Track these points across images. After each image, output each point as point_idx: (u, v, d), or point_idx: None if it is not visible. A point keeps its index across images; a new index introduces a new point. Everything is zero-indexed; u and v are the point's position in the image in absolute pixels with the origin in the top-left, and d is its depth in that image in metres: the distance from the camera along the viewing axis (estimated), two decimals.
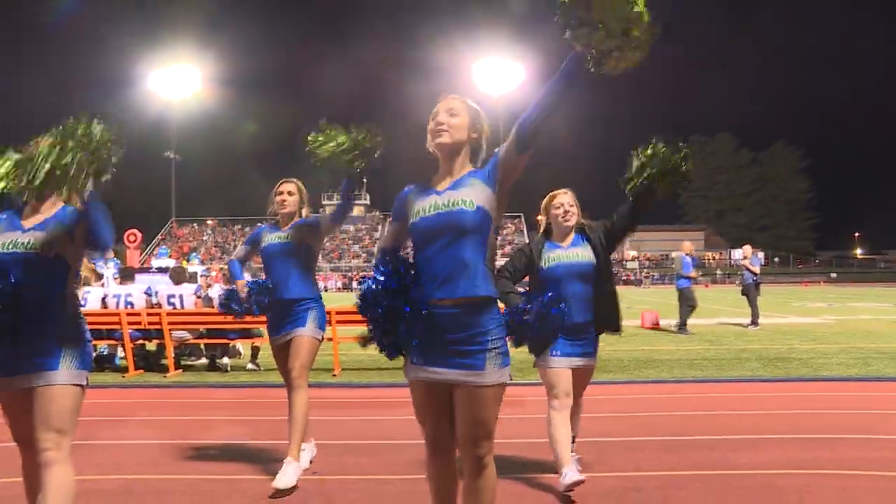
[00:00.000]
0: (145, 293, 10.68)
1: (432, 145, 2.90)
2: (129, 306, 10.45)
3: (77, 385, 3.08)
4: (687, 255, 15.53)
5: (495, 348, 2.77)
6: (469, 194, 2.79)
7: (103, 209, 3.06)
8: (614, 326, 4.49)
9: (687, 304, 15.21)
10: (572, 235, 4.56)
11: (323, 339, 4.93)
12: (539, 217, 4.71)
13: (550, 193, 4.66)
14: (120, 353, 10.65)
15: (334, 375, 9.71)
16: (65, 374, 3.03)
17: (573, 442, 4.56)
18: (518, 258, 4.54)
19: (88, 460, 5.18)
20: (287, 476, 4.45)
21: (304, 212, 4.96)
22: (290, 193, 4.91)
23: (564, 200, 4.55)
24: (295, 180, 4.98)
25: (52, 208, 3.21)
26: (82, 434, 6.05)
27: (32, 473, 3.14)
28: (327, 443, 5.62)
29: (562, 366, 4.35)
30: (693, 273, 15.42)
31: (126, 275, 11.68)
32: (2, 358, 3.03)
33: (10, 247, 3.05)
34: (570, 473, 4.13)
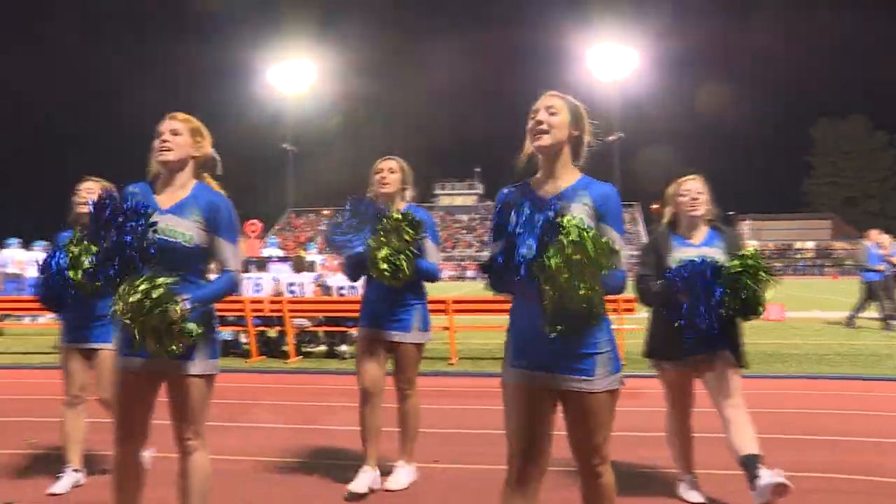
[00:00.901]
0: (274, 280, 11.06)
1: (531, 146, 2.75)
2: (258, 292, 10.87)
3: (208, 375, 3.10)
4: (874, 244, 14.18)
5: (606, 351, 2.63)
6: (580, 212, 2.61)
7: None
8: (737, 353, 3.97)
9: (874, 298, 14.02)
10: (705, 231, 4.09)
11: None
12: (656, 206, 4.37)
13: (678, 179, 4.20)
14: (243, 338, 11.04)
15: (451, 364, 9.73)
16: (198, 364, 3.05)
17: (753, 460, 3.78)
18: (649, 257, 4.09)
19: (221, 442, 5.36)
20: (399, 478, 4.42)
21: (408, 194, 4.45)
22: (391, 171, 4.36)
23: (693, 186, 4.08)
24: (397, 158, 4.46)
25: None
26: (217, 416, 6.30)
27: (125, 467, 3.10)
28: (446, 432, 5.61)
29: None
30: (881, 266, 13.94)
31: (259, 265, 12.14)
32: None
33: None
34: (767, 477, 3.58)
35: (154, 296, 2.75)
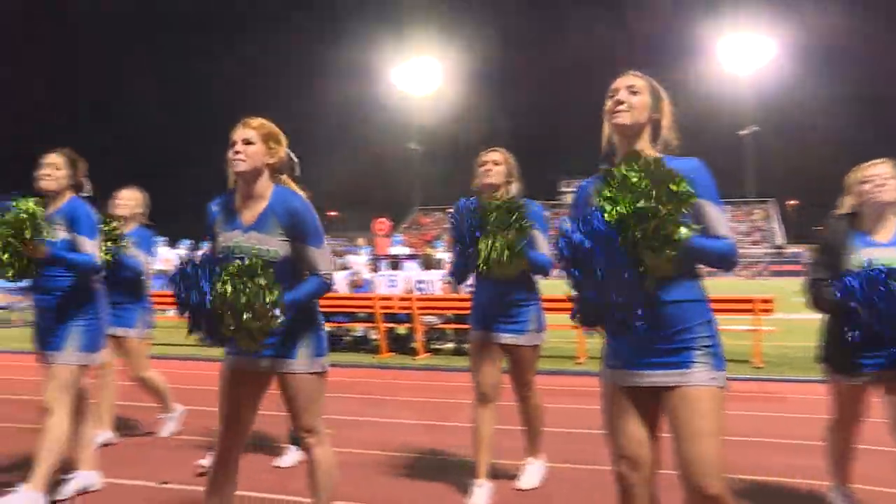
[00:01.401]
0: (405, 278, 11.30)
1: (610, 126, 2.62)
2: (392, 288, 11.12)
3: (315, 373, 3.10)
4: None
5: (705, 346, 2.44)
6: None
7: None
8: None
9: None
10: (894, 226, 3.51)
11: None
12: (847, 200, 3.69)
13: (861, 165, 3.62)
14: (373, 335, 11.29)
15: (579, 363, 9.60)
16: (303, 362, 3.06)
17: None
18: (823, 257, 3.58)
19: (351, 435, 5.50)
20: (530, 477, 4.37)
21: (514, 187, 4.21)
22: (495, 163, 4.16)
23: (879, 171, 3.50)
24: (502, 149, 4.25)
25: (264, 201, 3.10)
26: (346, 411, 6.49)
27: (225, 453, 3.13)
28: (577, 432, 5.53)
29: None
30: None
31: (393, 263, 12.45)
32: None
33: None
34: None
35: (246, 290, 2.74)
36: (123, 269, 5.13)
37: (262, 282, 2.77)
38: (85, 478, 4.23)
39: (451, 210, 3.95)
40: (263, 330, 2.81)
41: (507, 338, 4.08)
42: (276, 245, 2.99)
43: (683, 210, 2.25)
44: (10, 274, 3.84)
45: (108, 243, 4.98)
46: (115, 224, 5.15)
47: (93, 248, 3.99)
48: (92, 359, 4.05)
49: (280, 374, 3.07)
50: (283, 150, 3.14)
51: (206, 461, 4.45)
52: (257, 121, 3.10)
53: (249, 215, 3.05)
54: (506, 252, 3.71)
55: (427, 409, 6.82)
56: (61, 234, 3.95)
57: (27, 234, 3.72)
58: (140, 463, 4.87)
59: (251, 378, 3.10)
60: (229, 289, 2.73)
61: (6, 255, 3.74)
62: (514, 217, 3.77)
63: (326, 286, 3.08)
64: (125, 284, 5.20)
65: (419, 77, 64.54)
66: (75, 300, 4.02)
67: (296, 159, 3.22)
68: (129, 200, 5.49)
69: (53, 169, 4.09)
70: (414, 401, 7.33)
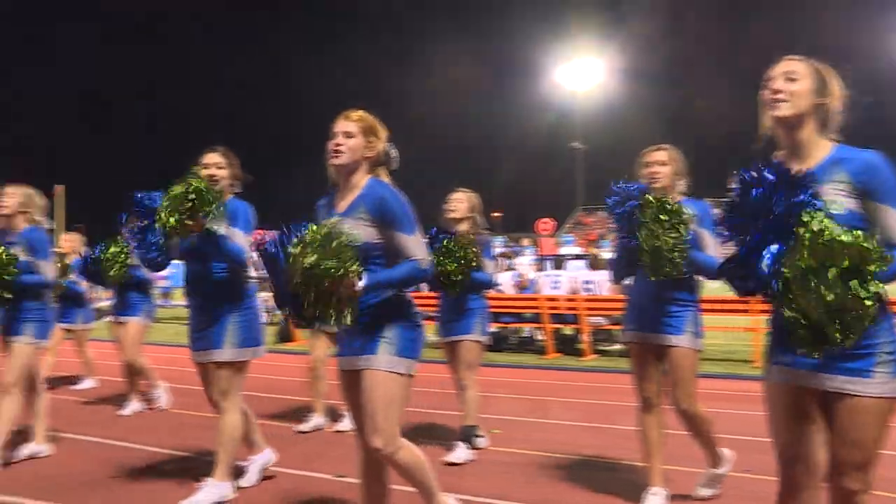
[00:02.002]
0: (570, 278, 11.21)
1: (768, 118, 2.41)
2: (556, 290, 11.07)
3: (394, 372, 2.96)
4: None
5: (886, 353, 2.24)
6: (835, 194, 2.28)
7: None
8: None
9: None
10: None
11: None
12: None
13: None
14: (539, 335, 11.27)
15: (754, 367, 9.12)
16: (384, 359, 2.95)
17: None
18: None
19: (518, 435, 5.53)
20: (707, 486, 4.18)
21: (681, 186, 4.01)
22: (661, 163, 3.93)
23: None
24: (668, 147, 4.00)
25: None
26: (512, 411, 6.52)
27: (366, 466, 3.16)
28: (752, 440, 5.26)
29: None
30: None
31: (557, 263, 12.42)
32: (346, 338, 3.08)
33: None
34: None
35: (328, 264, 2.69)
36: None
37: (340, 248, 2.73)
38: (263, 459, 4.48)
39: (611, 193, 3.74)
40: (345, 301, 2.75)
41: (664, 339, 3.89)
42: (358, 229, 2.94)
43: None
44: (172, 238, 3.92)
45: None
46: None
47: (244, 242, 4.03)
48: (251, 353, 4.11)
49: (359, 371, 2.99)
50: (382, 144, 3.13)
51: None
52: (357, 113, 3.11)
53: (343, 204, 3.08)
54: (669, 253, 3.55)
55: (594, 411, 6.72)
56: (221, 229, 3.98)
57: (196, 205, 3.72)
58: (320, 456, 5.11)
59: (351, 378, 3.08)
60: (301, 253, 2.70)
61: (172, 220, 3.72)
62: (671, 217, 3.58)
63: (421, 272, 2.99)
64: None
65: (582, 75, 63.70)
66: (230, 295, 4.07)
67: (394, 153, 3.20)
68: None
69: (216, 168, 4.16)
70: (580, 402, 7.25)
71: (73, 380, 8.21)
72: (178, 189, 3.73)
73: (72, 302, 7.67)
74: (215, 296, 4.05)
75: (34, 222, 4.93)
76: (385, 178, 3.14)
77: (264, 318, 12.72)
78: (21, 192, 4.92)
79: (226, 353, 4.03)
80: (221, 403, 4.07)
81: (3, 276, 4.54)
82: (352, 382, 3.06)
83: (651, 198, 3.60)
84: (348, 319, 2.78)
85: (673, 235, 3.54)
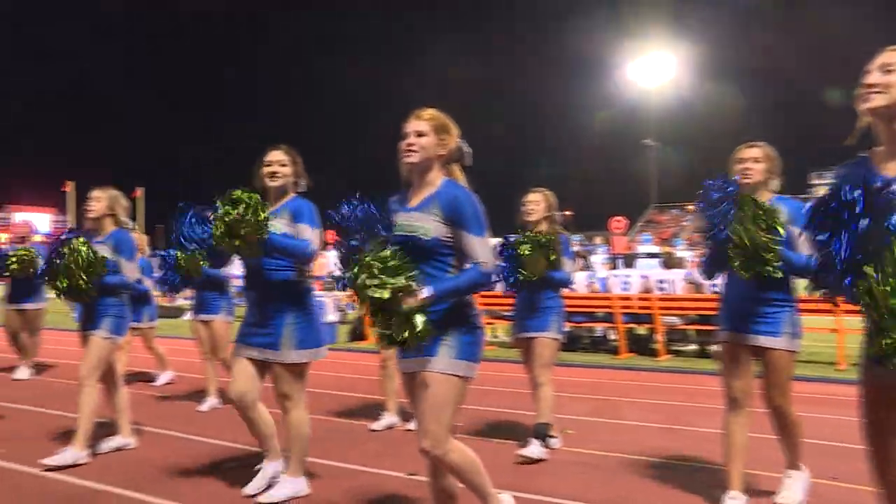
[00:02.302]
0: (641, 277, 11.02)
1: (863, 112, 2.27)
2: (625, 289, 10.90)
3: (452, 375, 2.93)
4: None
5: None
6: None
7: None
8: None
9: None
10: None
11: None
12: None
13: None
14: (611, 335, 11.12)
15: (839, 370, 8.80)
16: (440, 362, 2.93)
17: None
18: None
19: (591, 436, 5.45)
20: (790, 492, 3.99)
21: (774, 184, 3.88)
22: (755, 160, 3.85)
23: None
24: (762, 144, 3.91)
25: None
26: (586, 412, 6.44)
27: (435, 466, 3.11)
28: (837, 445, 5.07)
29: None
30: None
31: (623, 261, 12.25)
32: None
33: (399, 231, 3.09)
34: None
35: (388, 280, 2.73)
36: None
37: (393, 263, 2.76)
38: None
39: (700, 192, 3.63)
40: (413, 314, 2.76)
41: (760, 340, 3.77)
42: (430, 224, 2.96)
43: None
44: (233, 250, 3.84)
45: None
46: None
47: (312, 236, 4.00)
48: (310, 355, 4.09)
49: (418, 373, 2.98)
50: (454, 141, 3.12)
51: None
52: (429, 112, 3.11)
53: (416, 200, 3.08)
54: (765, 252, 3.46)
55: (669, 412, 6.59)
56: (283, 228, 3.98)
57: (249, 215, 3.72)
58: (393, 454, 5.14)
59: (412, 379, 3.06)
60: (361, 275, 2.76)
61: (227, 241, 3.75)
62: (768, 216, 3.49)
63: (485, 276, 2.95)
64: None
65: (654, 71, 62.64)
66: (287, 293, 4.04)
67: (467, 150, 3.17)
68: None
69: (279, 166, 4.15)
70: (655, 403, 7.11)
71: (149, 377, 8.44)
72: (227, 209, 3.76)
73: (137, 301, 7.76)
74: (271, 293, 4.03)
75: (120, 224, 5.10)
76: (459, 176, 3.14)
77: (336, 316, 12.91)
78: (107, 195, 5.09)
79: (283, 355, 4.01)
80: (285, 403, 4.10)
81: (93, 276, 4.71)
82: (413, 384, 3.06)
83: (748, 196, 3.55)
84: (423, 333, 2.79)
85: (768, 235, 3.47)
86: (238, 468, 4.61)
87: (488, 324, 11.54)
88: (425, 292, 2.80)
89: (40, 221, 43.12)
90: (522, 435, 5.31)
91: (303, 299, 4.10)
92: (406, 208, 3.08)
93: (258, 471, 4.23)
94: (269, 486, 4.14)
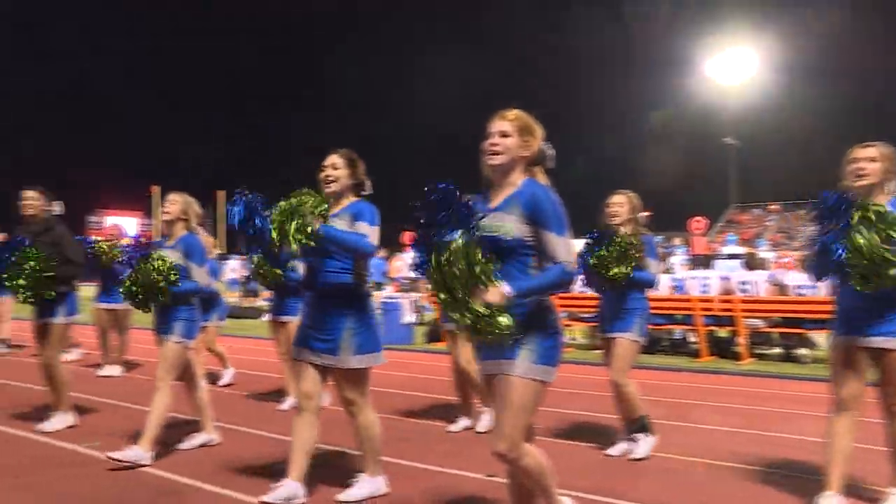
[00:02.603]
0: (721, 279, 10.74)
1: None
2: (704, 291, 10.65)
3: (531, 379, 2.91)
4: None
5: None
6: None
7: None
8: None
9: None
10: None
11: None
12: None
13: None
14: (691, 337, 10.88)
15: None
16: (522, 365, 2.90)
17: None
18: None
19: (671, 440, 5.34)
20: None
21: (890, 186, 3.74)
22: (871, 160, 3.71)
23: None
24: (880, 144, 3.78)
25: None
26: (664, 415, 6.32)
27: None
28: None
29: None
30: None
31: (703, 262, 11.96)
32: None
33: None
34: None
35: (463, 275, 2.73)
36: None
37: (478, 258, 2.76)
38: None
39: (816, 201, 3.63)
40: (495, 310, 2.76)
41: (878, 341, 3.64)
42: (510, 223, 2.94)
43: None
44: (294, 246, 3.82)
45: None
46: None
47: (371, 231, 3.96)
48: (370, 360, 4.03)
49: (498, 375, 2.96)
50: (538, 143, 3.08)
51: None
52: (513, 113, 3.08)
53: (497, 200, 3.06)
54: (885, 267, 3.38)
55: (753, 417, 6.40)
56: (341, 225, 3.96)
57: (307, 214, 3.78)
58: (470, 455, 5.14)
59: (493, 381, 3.03)
60: (445, 265, 2.76)
61: (293, 226, 3.76)
62: (888, 227, 3.39)
63: (567, 276, 2.93)
64: None
65: (735, 68, 61.03)
66: (346, 296, 4.01)
67: (551, 152, 3.14)
68: None
69: (332, 169, 4.12)
70: (738, 407, 6.93)
71: (215, 376, 8.52)
72: (284, 207, 3.82)
73: (208, 301, 7.86)
74: (330, 296, 4.00)
75: (191, 229, 5.22)
76: (541, 178, 3.11)
77: (414, 317, 13.01)
78: (182, 200, 5.22)
79: (343, 361, 3.98)
80: (349, 408, 4.10)
81: (166, 282, 4.85)
82: (492, 385, 3.04)
83: (867, 203, 3.49)
84: (506, 329, 2.78)
85: (885, 246, 3.39)
86: (319, 467, 4.69)
87: (567, 326, 11.45)
88: (509, 289, 2.79)
89: (129, 225, 44.87)
90: (601, 437, 5.26)
91: (362, 303, 4.06)
92: (487, 208, 3.06)
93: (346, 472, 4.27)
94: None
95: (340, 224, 3.95)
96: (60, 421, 5.87)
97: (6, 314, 11.13)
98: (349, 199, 4.14)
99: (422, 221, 2.86)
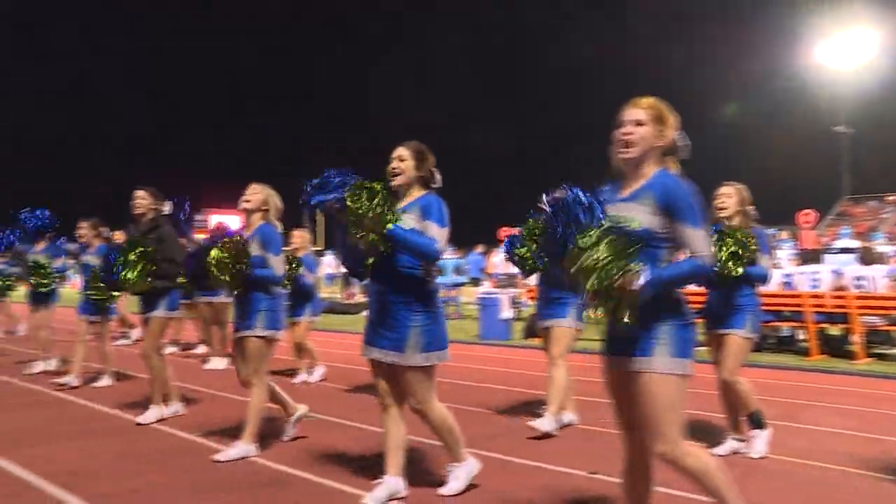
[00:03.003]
0: (833, 274, 10.23)
1: None
2: (814, 287, 10.17)
3: (672, 374, 2.80)
4: None
5: None
6: None
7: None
8: None
9: None
10: None
11: None
12: None
13: None
14: (801, 335, 10.42)
15: None
16: (661, 360, 2.80)
17: None
18: None
19: (784, 442, 5.12)
20: None
21: None
22: None
23: None
24: None
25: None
26: (774, 415, 6.07)
27: (630, 466, 3.05)
28: None
29: None
30: None
31: (810, 256, 11.44)
32: (615, 336, 2.93)
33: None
34: None
35: (609, 263, 2.64)
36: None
37: (622, 245, 2.67)
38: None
39: (892, 198, 3.37)
40: (625, 299, 2.68)
41: None
42: (641, 215, 2.84)
43: None
44: (356, 242, 3.83)
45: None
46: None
47: (439, 234, 3.86)
48: (437, 358, 3.96)
49: (634, 373, 2.85)
50: (672, 132, 2.98)
51: None
52: (647, 100, 2.98)
53: (628, 190, 2.97)
54: None
55: (870, 420, 6.09)
56: (412, 224, 3.87)
57: (368, 203, 3.70)
58: (570, 452, 5.08)
59: (621, 378, 2.94)
60: (583, 249, 2.67)
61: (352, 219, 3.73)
62: None
63: (703, 269, 2.82)
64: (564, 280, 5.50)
65: (848, 53, 58.04)
66: (413, 293, 3.92)
67: (686, 143, 3.02)
68: None
69: (398, 161, 4.06)
70: (852, 409, 6.60)
71: (308, 370, 8.58)
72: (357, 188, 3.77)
73: (302, 296, 8.12)
74: (397, 291, 3.93)
75: (269, 220, 5.23)
76: (674, 169, 3.00)
77: (511, 313, 12.96)
78: (263, 191, 5.26)
79: (408, 358, 3.91)
80: (417, 406, 4.03)
81: (238, 267, 4.85)
82: (621, 382, 2.94)
83: None
84: (629, 317, 2.72)
85: None
86: (420, 460, 4.72)
87: None
88: (645, 277, 2.70)
89: (233, 222, 46.44)
90: (708, 437, 5.10)
91: (429, 300, 3.98)
92: (617, 199, 2.97)
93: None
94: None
95: (409, 220, 3.88)
96: (154, 414, 6.06)
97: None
98: (418, 193, 4.06)
99: (553, 217, 2.80)
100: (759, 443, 4.87)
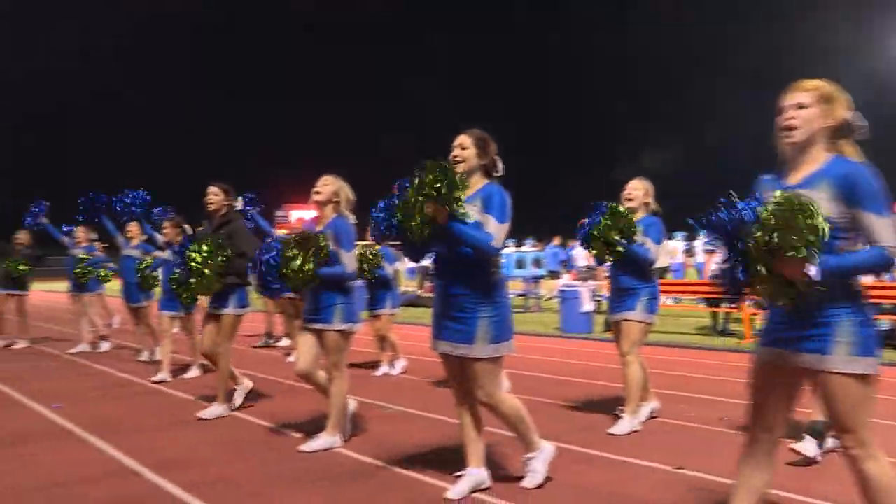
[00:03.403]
0: None
1: None
2: None
3: (855, 374, 2.62)
4: None
5: None
6: None
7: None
8: None
9: None
10: None
11: None
12: None
13: None
14: None
15: None
16: (841, 359, 2.63)
17: None
18: None
19: (890, 442, 4.85)
20: None
21: None
22: None
23: None
24: None
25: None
26: (884, 413, 5.76)
27: (754, 446, 2.87)
28: None
29: None
30: None
31: None
32: (782, 329, 2.77)
33: None
34: None
35: (786, 242, 2.47)
36: (631, 255, 5.25)
37: (804, 226, 2.48)
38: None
39: None
40: (793, 283, 2.53)
41: None
42: (820, 202, 2.60)
43: None
44: (416, 237, 3.75)
45: (619, 233, 5.18)
46: (625, 212, 5.26)
47: (497, 231, 3.77)
48: (505, 349, 3.90)
49: (814, 372, 2.69)
50: (843, 112, 2.77)
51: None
52: (812, 82, 2.80)
53: (797, 177, 2.79)
54: None
55: None
56: (473, 215, 3.80)
57: (441, 191, 3.61)
58: (653, 445, 4.96)
59: (782, 374, 2.78)
60: (761, 223, 2.51)
61: (417, 213, 3.65)
62: None
63: (887, 260, 2.60)
64: (633, 270, 5.34)
65: None
66: (477, 285, 3.85)
67: (862, 123, 2.80)
68: (638, 190, 5.54)
69: (460, 149, 3.97)
70: None
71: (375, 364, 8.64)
72: (429, 175, 3.64)
73: (381, 288, 8.18)
74: (461, 284, 3.86)
75: (341, 213, 5.10)
76: (850, 153, 2.80)
77: (592, 306, 12.76)
78: (335, 183, 5.13)
79: (477, 349, 3.84)
80: (484, 399, 3.94)
81: (317, 261, 4.79)
82: (778, 375, 2.80)
83: None
84: (790, 299, 2.59)
85: None
86: (499, 452, 4.68)
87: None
88: (821, 264, 2.53)
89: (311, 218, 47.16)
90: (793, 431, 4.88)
91: (494, 291, 3.89)
92: (785, 185, 2.80)
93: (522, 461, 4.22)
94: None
95: (472, 210, 3.80)
96: (216, 410, 6.05)
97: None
98: (480, 182, 3.98)
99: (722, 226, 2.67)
100: (807, 445, 4.54)
